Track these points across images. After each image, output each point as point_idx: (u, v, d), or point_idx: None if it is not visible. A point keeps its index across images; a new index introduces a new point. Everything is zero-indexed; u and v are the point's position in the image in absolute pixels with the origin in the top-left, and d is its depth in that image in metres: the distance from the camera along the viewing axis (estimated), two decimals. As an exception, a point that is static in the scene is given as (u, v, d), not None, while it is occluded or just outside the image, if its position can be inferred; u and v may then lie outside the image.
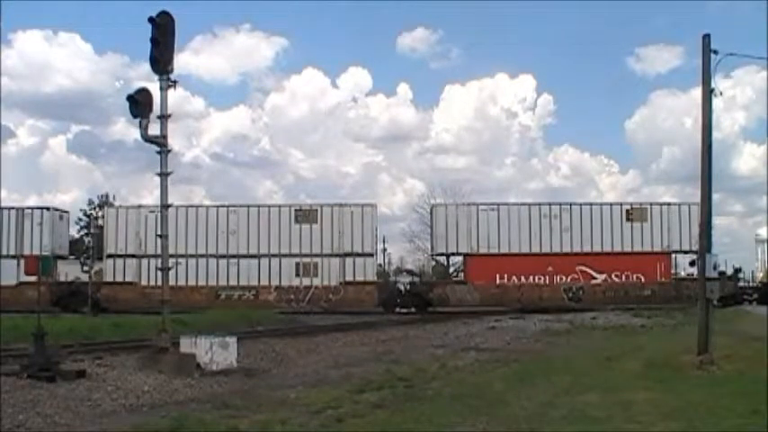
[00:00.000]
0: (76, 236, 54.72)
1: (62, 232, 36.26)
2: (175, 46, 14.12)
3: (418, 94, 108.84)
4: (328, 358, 16.07)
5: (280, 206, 35.75)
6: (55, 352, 12.48)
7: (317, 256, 33.97)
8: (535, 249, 34.18)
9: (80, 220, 59.01)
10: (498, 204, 35.75)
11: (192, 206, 35.83)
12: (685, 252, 33.78)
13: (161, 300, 14.50)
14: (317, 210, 34.82)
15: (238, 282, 34.03)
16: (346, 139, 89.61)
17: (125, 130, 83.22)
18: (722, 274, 25.14)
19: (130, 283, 33.65)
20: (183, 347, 13.78)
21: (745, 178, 78.80)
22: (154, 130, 14.02)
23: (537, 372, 12.84)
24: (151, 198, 48.62)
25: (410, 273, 45.82)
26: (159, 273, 14.86)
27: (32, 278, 29.90)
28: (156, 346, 13.82)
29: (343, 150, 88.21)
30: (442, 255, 37.36)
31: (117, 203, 50.44)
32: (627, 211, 34.95)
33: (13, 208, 35.38)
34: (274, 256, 34.00)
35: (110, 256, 34.37)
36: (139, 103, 13.76)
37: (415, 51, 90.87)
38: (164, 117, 13.99)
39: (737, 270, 35.81)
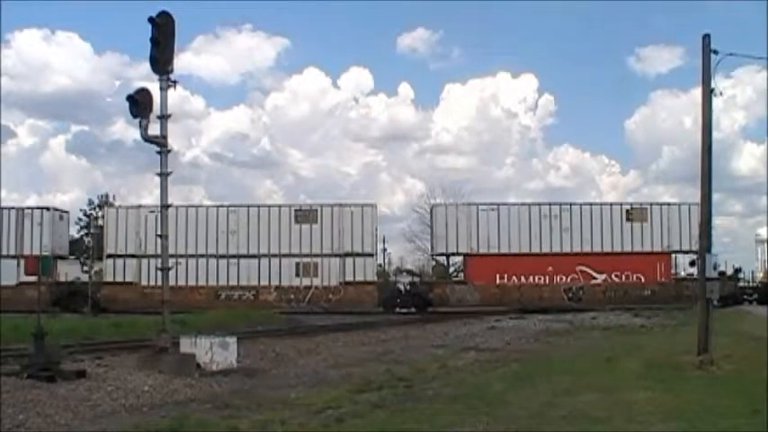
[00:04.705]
0: (76, 236, 54.69)
1: (62, 232, 36.28)
2: (176, 46, 14.13)
3: (419, 94, 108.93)
4: (328, 358, 16.06)
5: (280, 206, 35.80)
6: (55, 352, 12.48)
7: (317, 256, 33.99)
8: (535, 249, 34.22)
9: (80, 220, 59.01)
10: (498, 204, 35.79)
11: (192, 206, 35.90)
12: (685, 252, 33.82)
13: (161, 300, 14.49)
14: (317, 210, 34.84)
15: (238, 282, 34.05)
16: (346, 138, 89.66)
17: (124, 130, 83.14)
18: (722, 274, 25.27)
19: (130, 284, 33.69)
20: (183, 347, 13.77)
21: (745, 178, 78.80)
22: (154, 130, 14.00)
23: (537, 372, 12.82)
24: (151, 198, 48.57)
25: (410, 273, 45.76)
26: (159, 273, 14.84)
27: (32, 278, 29.92)
28: (156, 346, 13.81)
29: (343, 150, 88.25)
30: (442, 255, 37.42)
31: (117, 203, 50.41)
32: (627, 211, 35.00)
33: (13, 208, 35.46)
34: (274, 256, 34.03)
35: (110, 256, 34.41)
36: (139, 103, 13.74)
37: (415, 51, 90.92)
38: (164, 117, 13.98)
39: (737, 270, 35.84)
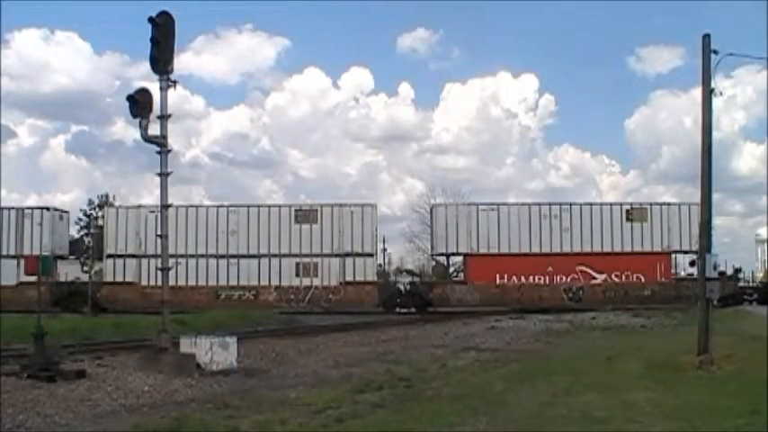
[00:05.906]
0: (76, 236, 54.73)
1: (62, 232, 36.25)
2: (176, 46, 14.17)
3: (419, 94, 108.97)
4: (328, 358, 16.06)
5: (280, 206, 35.76)
6: (55, 352, 12.49)
7: (317, 256, 33.96)
8: (535, 249, 34.18)
9: (80, 220, 59.11)
10: (498, 204, 35.75)
11: (192, 206, 35.83)
12: (685, 252, 33.77)
13: (161, 300, 14.50)
14: (317, 210, 34.82)
15: (238, 282, 34.02)
16: (346, 138, 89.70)
17: (124, 130, 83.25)
18: (722, 274, 25.25)
19: (130, 283, 33.65)
20: (183, 347, 13.78)
21: (745, 178, 78.85)
22: (154, 130, 14.02)
23: (537, 372, 12.82)
24: (151, 198, 48.49)
25: (410, 273, 45.81)
26: (159, 273, 14.86)
27: (32, 278, 29.91)
28: (156, 346, 13.82)
29: (342, 150, 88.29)
30: (442, 255, 37.38)
31: (117, 203, 50.41)
32: (627, 211, 34.97)
33: (13, 208, 35.40)
34: (274, 256, 34.00)
35: (110, 256, 34.38)
36: (139, 103, 13.76)
37: (415, 51, 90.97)
38: (164, 117, 14.00)
39: (737, 270, 35.81)
